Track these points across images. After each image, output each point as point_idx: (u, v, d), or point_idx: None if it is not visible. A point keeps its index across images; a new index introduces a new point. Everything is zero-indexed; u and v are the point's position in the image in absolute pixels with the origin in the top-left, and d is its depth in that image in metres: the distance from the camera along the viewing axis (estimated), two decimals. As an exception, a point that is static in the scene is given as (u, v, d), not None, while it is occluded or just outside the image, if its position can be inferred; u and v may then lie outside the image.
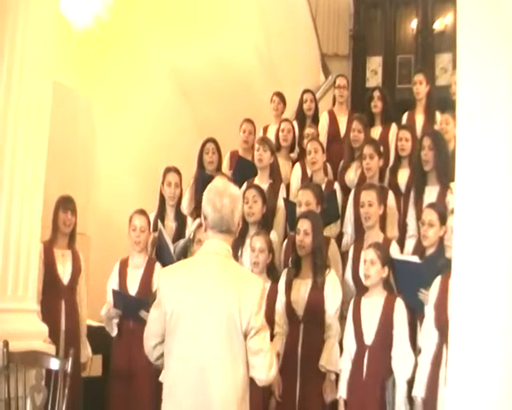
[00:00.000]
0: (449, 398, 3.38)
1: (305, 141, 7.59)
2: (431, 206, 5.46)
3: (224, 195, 3.47)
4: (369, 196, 5.79)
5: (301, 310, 5.30)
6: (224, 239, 3.52)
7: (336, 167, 7.52)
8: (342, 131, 8.16)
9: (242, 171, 7.10)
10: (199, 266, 3.53)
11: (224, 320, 3.33)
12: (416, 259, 5.31)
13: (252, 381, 3.47)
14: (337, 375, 5.15)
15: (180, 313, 3.39)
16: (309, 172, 7.19)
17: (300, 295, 5.34)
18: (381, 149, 6.69)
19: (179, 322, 3.40)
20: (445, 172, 5.72)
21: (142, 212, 5.92)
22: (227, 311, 3.33)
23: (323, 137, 7.95)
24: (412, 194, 6.24)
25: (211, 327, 3.35)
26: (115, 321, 5.76)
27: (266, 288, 5.31)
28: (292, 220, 6.31)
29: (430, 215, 5.27)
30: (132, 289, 5.81)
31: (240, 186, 6.84)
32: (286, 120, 8.06)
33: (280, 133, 7.77)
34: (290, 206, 6.45)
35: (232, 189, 3.55)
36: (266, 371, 3.42)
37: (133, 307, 5.63)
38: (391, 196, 6.30)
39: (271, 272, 5.59)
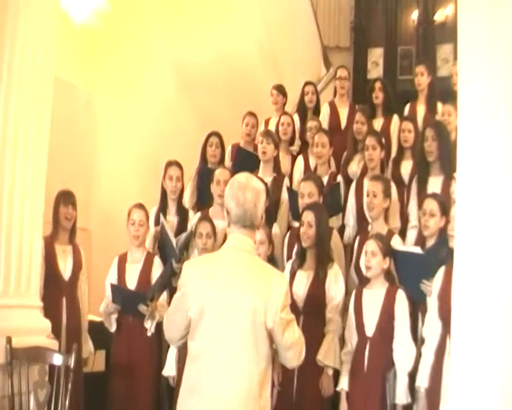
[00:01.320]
0: (452, 388, 3.38)
1: (309, 133, 7.60)
2: (432, 196, 5.45)
3: (246, 189, 3.46)
4: (374, 187, 5.78)
5: (301, 302, 5.30)
6: (248, 234, 3.51)
7: (337, 159, 7.51)
8: (343, 122, 8.16)
9: (242, 161, 7.10)
10: (224, 262, 3.52)
11: (250, 316, 3.33)
12: (418, 249, 5.30)
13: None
14: (335, 370, 5.14)
15: (205, 308, 3.39)
16: (312, 165, 7.20)
17: (301, 286, 5.34)
18: (383, 140, 6.68)
19: (204, 316, 3.39)
20: (449, 163, 5.71)
21: (141, 206, 5.91)
22: (252, 307, 3.33)
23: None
24: (414, 184, 6.24)
25: (236, 322, 3.35)
26: (114, 316, 5.77)
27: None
28: (295, 210, 6.31)
29: (431, 205, 5.27)
30: (131, 284, 5.81)
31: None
32: (285, 113, 8.05)
33: (280, 127, 7.76)
34: (293, 195, 6.44)
35: (255, 182, 3.53)
36: (298, 360, 3.55)
37: (132, 301, 5.62)
38: (393, 187, 6.28)
39: (272, 264, 5.57)
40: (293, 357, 3.50)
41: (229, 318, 3.35)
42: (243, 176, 3.59)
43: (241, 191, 3.45)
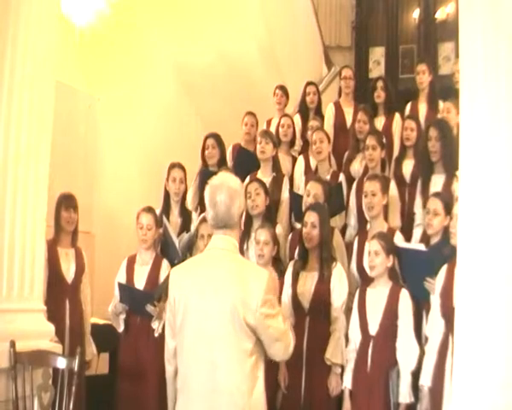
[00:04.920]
0: (455, 387, 3.37)
1: (310, 132, 7.60)
2: (436, 195, 5.46)
3: (219, 191, 3.46)
4: (372, 187, 5.79)
5: (307, 303, 5.31)
6: (228, 234, 3.51)
7: (342, 158, 7.51)
8: (348, 122, 8.13)
9: (243, 161, 7.13)
10: (204, 263, 3.56)
11: (229, 315, 3.34)
12: (421, 247, 5.31)
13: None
14: (343, 368, 5.14)
15: (188, 310, 3.44)
16: (313, 165, 7.20)
17: (307, 287, 5.34)
18: (384, 139, 6.69)
19: (187, 319, 3.44)
20: (452, 161, 5.70)
21: (149, 209, 5.91)
22: (231, 305, 3.34)
23: (330, 129, 7.94)
24: (419, 183, 6.23)
25: (217, 322, 3.37)
26: (122, 317, 5.77)
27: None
28: (298, 212, 6.31)
29: (435, 204, 5.27)
30: (139, 285, 5.80)
31: (242, 178, 6.87)
32: (286, 115, 8.06)
33: (280, 129, 7.76)
34: (296, 198, 6.45)
35: (231, 182, 3.52)
36: (285, 353, 3.56)
37: (139, 300, 5.63)
38: (392, 185, 6.30)
39: (277, 264, 5.58)
40: (281, 350, 3.50)
41: (211, 319, 3.38)
42: (219, 177, 3.60)
43: (215, 193, 3.47)
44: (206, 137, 7.25)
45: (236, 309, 3.33)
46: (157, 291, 5.57)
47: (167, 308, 3.62)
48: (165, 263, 5.89)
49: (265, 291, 3.38)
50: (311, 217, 5.45)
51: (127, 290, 5.72)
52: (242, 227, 6.12)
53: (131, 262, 5.94)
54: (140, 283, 5.81)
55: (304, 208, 5.91)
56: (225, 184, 3.49)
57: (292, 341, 3.54)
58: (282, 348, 3.49)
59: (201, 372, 3.38)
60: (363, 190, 5.91)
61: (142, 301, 5.60)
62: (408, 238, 5.92)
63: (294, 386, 5.22)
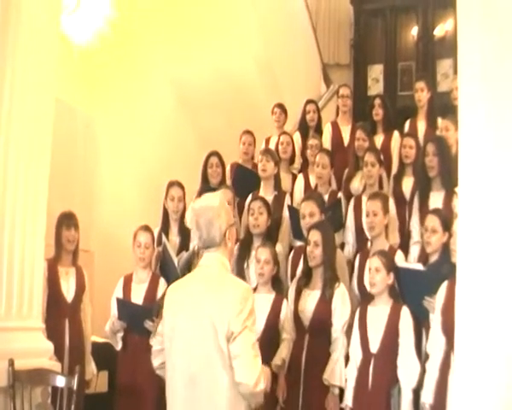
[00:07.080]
0: (456, 404, 3.36)
1: (309, 151, 7.60)
2: (434, 212, 5.44)
3: (199, 215, 3.56)
4: (373, 206, 5.78)
5: (307, 320, 5.30)
6: (214, 251, 3.56)
7: (340, 177, 7.51)
8: (346, 140, 8.14)
9: (242, 179, 7.11)
10: (191, 282, 3.64)
11: (208, 330, 3.38)
12: (419, 266, 5.29)
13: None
14: (341, 389, 5.12)
15: (175, 328, 3.50)
16: (312, 183, 7.20)
17: (308, 305, 5.34)
18: (382, 157, 6.70)
19: (174, 336, 3.50)
20: (450, 178, 5.70)
21: (147, 228, 5.91)
22: (209, 320, 3.37)
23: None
24: (416, 200, 6.23)
25: (197, 338, 3.41)
26: (120, 335, 5.76)
27: (270, 299, 5.34)
28: (295, 227, 6.30)
29: (433, 221, 5.26)
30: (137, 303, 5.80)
31: (241, 195, 6.86)
32: (285, 132, 8.08)
33: (279, 146, 7.78)
34: (294, 213, 6.43)
35: (210, 202, 3.61)
36: (248, 375, 3.32)
37: (138, 316, 5.60)
38: (391, 203, 6.26)
39: (276, 284, 5.56)
40: (241, 368, 3.31)
41: (193, 335, 3.42)
42: (200, 200, 3.75)
43: (196, 218, 3.58)
44: (209, 156, 7.24)
45: (214, 324, 3.35)
46: (155, 307, 5.55)
47: (159, 327, 3.71)
48: (162, 281, 5.90)
49: (239, 302, 3.38)
50: (315, 235, 5.43)
51: (126, 306, 5.70)
52: (240, 245, 6.11)
53: (128, 281, 5.93)
54: (137, 301, 5.80)
55: (304, 230, 5.89)
56: (204, 206, 3.59)
57: (259, 372, 3.34)
58: (242, 369, 3.31)
59: (182, 389, 3.43)
60: (365, 210, 5.90)
61: (141, 317, 5.57)
62: (406, 256, 5.91)
63: (292, 401, 5.22)
